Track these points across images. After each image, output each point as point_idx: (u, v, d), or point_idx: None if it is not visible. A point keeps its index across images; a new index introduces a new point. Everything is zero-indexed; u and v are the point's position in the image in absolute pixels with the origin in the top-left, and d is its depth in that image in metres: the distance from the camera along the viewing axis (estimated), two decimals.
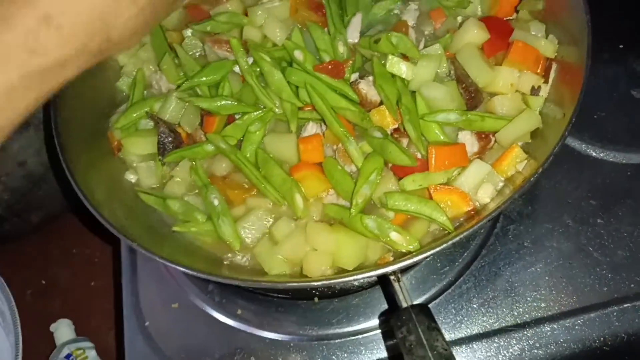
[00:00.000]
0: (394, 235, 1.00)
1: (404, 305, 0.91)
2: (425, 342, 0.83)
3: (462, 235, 0.91)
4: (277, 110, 1.15)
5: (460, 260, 1.25)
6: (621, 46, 1.46)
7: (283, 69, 1.15)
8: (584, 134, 1.35)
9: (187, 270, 0.98)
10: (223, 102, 1.16)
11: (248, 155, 1.13)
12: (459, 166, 1.08)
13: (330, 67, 1.13)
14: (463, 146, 1.09)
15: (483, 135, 1.12)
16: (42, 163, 1.56)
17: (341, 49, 1.18)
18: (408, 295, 0.92)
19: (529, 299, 1.20)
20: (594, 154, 1.34)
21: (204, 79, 1.19)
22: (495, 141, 1.13)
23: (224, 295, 1.29)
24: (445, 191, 1.07)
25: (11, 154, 1.50)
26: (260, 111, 1.14)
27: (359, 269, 1.02)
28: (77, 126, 1.23)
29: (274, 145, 1.14)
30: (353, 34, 1.21)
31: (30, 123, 1.49)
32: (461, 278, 1.24)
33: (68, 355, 1.64)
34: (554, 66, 1.16)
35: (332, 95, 1.12)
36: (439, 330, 0.86)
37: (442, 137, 1.10)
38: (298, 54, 1.14)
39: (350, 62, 1.16)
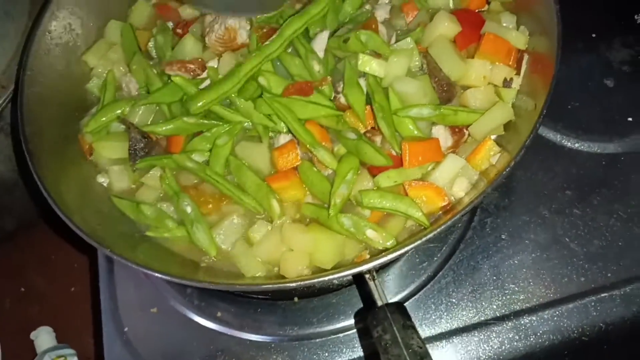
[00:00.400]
0: (370, 233, 0.99)
1: (380, 303, 0.90)
2: (400, 340, 0.83)
3: (435, 232, 0.90)
4: (246, 124, 1.14)
5: (438, 255, 1.25)
6: (594, 35, 1.46)
7: (253, 101, 1.13)
8: (559, 124, 1.35)
9: (161, 276, 0.97)
10: (178, 125, 1.14)
11: (217, 170, 1.11)
12: (433, 161, 1.08)
13: (299, 87, 1.12)
14: (437, 141, 1.09)
15: (457, 130, 1.12)
16: (13, 169, 1.53)
17: (316, 67, 1.14)
18: (383, 293, 0.91)
19: (507, 291, 1.21)
20: (568, 144, 1.34)
21: (160, 99, 1.19)
22: (469, 135, 1.13)
23: (202, 298, 1.28)
24: (420, 187, 1.07)
25: None
26: (227, 125, 1.13)
27: (337, 267, 1.01)
28: (47, 131, 1.21)
29: (246, 154, 1.13)
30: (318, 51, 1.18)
31: (0, 129, 1.46)
32: (440, 273, 1.24)
33: None
34: (526, 57, 1.16)
35: (310, 108, 1.10)
36: (414, 328, 0.86)
37: (415, 132, 1.10)
38: (262, 80, 1.12)
39: (329, 79, 1.14)
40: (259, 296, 1.26)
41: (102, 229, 1.09)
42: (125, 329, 1.28)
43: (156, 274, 0.96)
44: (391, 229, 1.04)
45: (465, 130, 1.13)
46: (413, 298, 1.22)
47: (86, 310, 1.67)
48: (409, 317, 0.88)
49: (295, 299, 1.24)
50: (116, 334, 1.28)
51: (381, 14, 1.26)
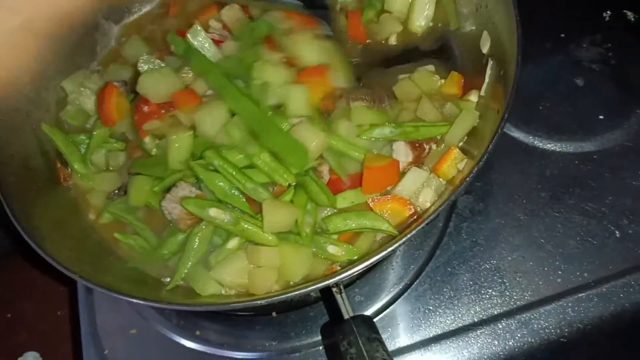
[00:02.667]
0: (332, 249, 1.00)
1: (346, 317, 0.90)
2: (365, 354, 0.82)
3: (398, 244, 0.90)
4: None
5: (414, 264, 1.25)
6: (562, 35, 1.46)
7: None
8: (530, 125, 1.35)
9: (127, 299, 0.97)
10: None
11: None
12: (390, 185, 1.07)
13: None
14: (396, 164, 1.08)
15: (417, 145, 1.12)
16: None
17: None
18: (350, 307, 0.91)
19: (485, 296, 1.20)
20: (541, 145, 1.34)
21: None
22: (430, 149, 1.12)
23: (181, 317, 1.28)
24: (383, 201, 1.07)
25: None
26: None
27: (306, 280, 1.01)
28: (17, 159, 1.21)
29: None
30: None
31: None
32: (417, 280, 1.23)
33: None
34: (490, 63, 1.16)
35: None
36: (379, 340, 0.85)
37: (375, 151, 1.10)
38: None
39: None
40: (237, 312, 1.26)
41: (74, 254, 1.09)
42: (105, 352, 1.27)
43: (123, 297, 0.96)
44: (361, 245, 1.04)
45: (425, 145, 1.12)
46: (391, 307, 1.21)
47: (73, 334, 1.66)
48: (375, 330, 0.87)
49: (274, 314, 1.24)
50: (96, 357, 1.27)
51: None
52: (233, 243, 1.02)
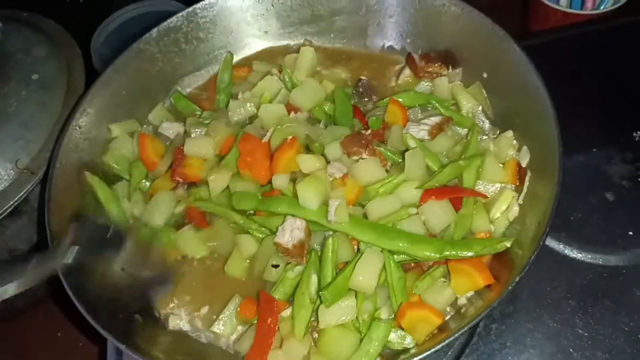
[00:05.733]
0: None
1: None
2: None
3: (449, 340, 0.96)
4: None
5: None
6: (594, 150, 1.54)
7: None
8: (562, 233, 1.40)
9: None
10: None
11: None
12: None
13: None
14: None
15: None
16: (31, 248, 1.57)
17: None
18: None
19: None
20: (571, 254, 1.38)
21: None
22: None
23: None
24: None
25: (2, 240, 1.52)
26: None
27: None
28: (70, 213, 1.26)
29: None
30: None
31: (24, 212, 1.51)
32: None
33: None
34: (529, 174, 1.24)
35: None
36: None
37: None
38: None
39: None
40: None
41: (115, 321, 1.13)
42: None
43: None
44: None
45: None
46: None
47: None
48: None
49: None
50: None
51: None
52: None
